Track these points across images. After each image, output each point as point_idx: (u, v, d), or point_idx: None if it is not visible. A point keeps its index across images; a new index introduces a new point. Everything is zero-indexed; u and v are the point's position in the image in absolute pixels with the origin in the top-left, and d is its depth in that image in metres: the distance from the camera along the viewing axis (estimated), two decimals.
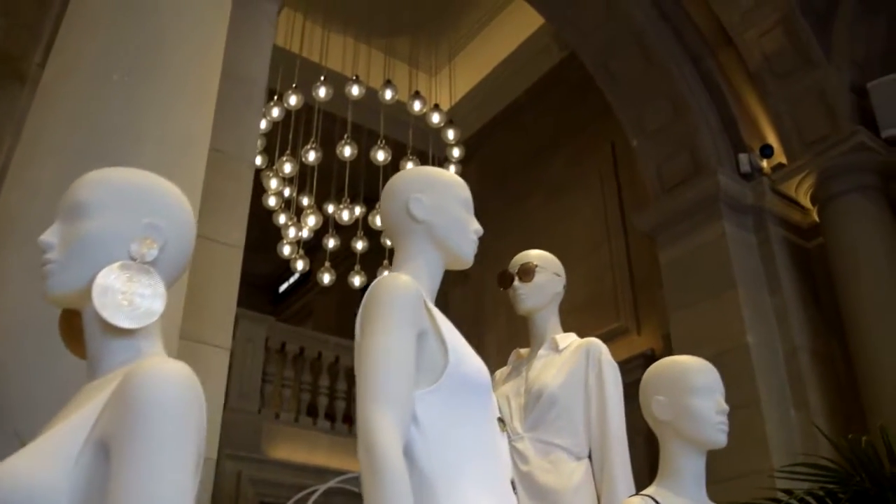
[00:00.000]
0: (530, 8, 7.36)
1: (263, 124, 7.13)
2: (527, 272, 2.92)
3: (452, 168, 7.72)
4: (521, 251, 3.08)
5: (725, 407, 2.39)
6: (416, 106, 7.01)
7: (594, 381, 2.70)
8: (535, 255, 3.00)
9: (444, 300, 8.80)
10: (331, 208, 7.67)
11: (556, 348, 2.83)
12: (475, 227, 2.00)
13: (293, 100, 6.85)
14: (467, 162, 9.43)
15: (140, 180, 1.44)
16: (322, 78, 6.92)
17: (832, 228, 6.05)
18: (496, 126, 9.49)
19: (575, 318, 8.09)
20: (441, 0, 8.71)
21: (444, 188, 2.00)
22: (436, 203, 1.95)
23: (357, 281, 7.58)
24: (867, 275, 5.70)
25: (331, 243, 7.78)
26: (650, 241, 6.90)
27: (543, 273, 2.92)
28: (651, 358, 6.86)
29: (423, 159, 7.57)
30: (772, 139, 6.48)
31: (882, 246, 5.82)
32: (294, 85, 7.00)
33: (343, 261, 8.33)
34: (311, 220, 7.28)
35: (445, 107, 8.42)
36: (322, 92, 6.79)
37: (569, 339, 2.84)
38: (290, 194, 7.51)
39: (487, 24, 9.06)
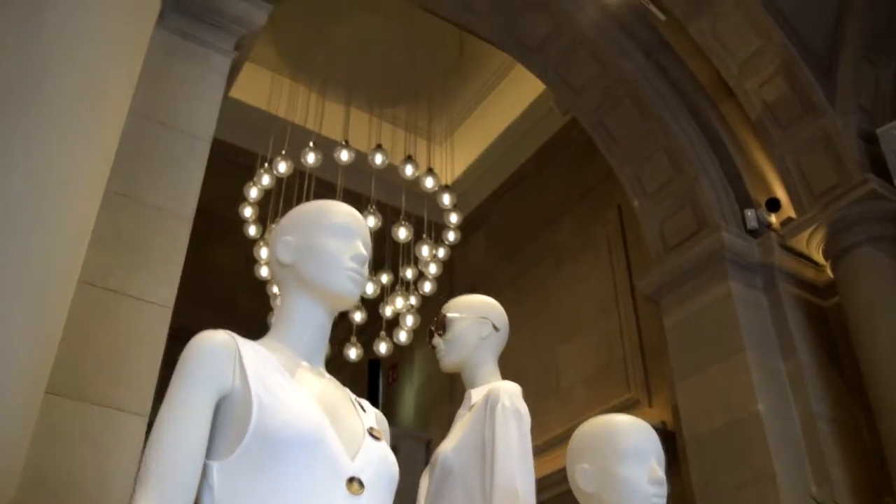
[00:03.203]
0: (531, 75, 7.20)
1: (255, 193, 6.98)
2: (440, 325, 2.60)
3: (451, 235, 7.46)
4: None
5: (661, 476, 2.01)
6: (409, 170, 6.80)
7: (489, 435, 2.29)
8: (454, 302, 2.68)
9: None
10: None
11: (468, 405, 2.47)
12: (352, 254, 1.72)
13: (282, 167, 6.69)
14: (475, 232, 9.20)
15: None
16: (311, 143, 6.76)
17: (847, 284, 5.62)
18: (503, 195, 9.24)
19: (586, 390, 7.71)
20: (440, 71, 8.59)
21: (310, 221, 1.77)
22: (301, 241, 1.74)
23: (353, 354, 7.26)
24: (886, 333, 5.23)
25: (357, 316, 7.51)
26: (658, 306, 6.52)
27: (461, 321, 2.59)
28: (663, 432, 6.39)
29: (420, 225, 7.33)
30: (779, 192, 6.11)
31: None
32: (283, 152, 6.86)
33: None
34: None
35: (449, 178, 8.24)
36: (311, 158, 6.62)
37: (484, 391, 2.47)
38: None
39: (489, 93, 8.92)
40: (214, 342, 1.55)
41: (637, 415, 6.96)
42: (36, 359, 2.13)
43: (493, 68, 8.74)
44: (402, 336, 7.22)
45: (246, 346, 1.59)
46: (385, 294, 7.53)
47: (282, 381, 1.55)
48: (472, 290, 8.50)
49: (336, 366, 7.97)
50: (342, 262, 1.71)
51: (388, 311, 7.45)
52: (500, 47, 6.83)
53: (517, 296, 8.35)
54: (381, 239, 7.38)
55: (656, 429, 6.46)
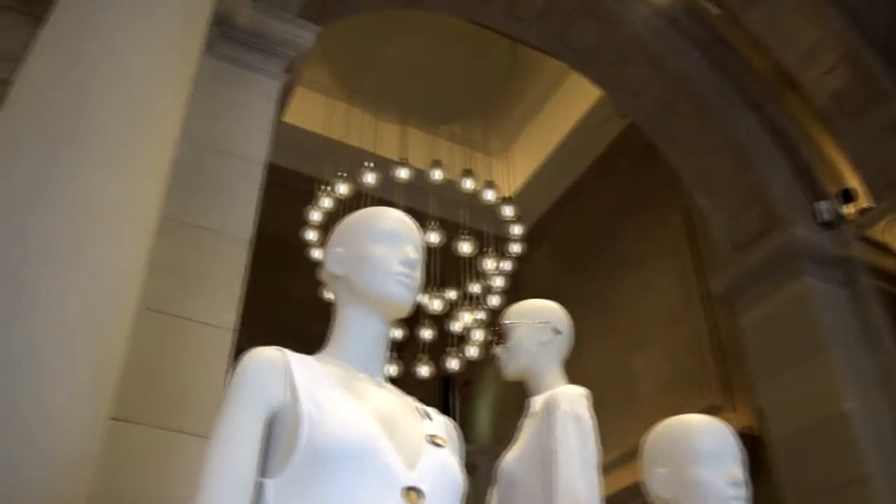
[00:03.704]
0: (586, 82, 7.11)
1: (317, 216, 7.03)
2: (499, 334, 2.52)
3: (516, 247, 7.39)
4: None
5: (741, 477, 1.89)
6: (468, 184, 6.76)
7: (550, 442, 2.18)
8: (511, 309, 2.61)
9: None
10: None
11: (531, 413, 2.38)
12: (401, 258, 1.68)
13: (342, 188, 6.72)
14: (539, 244, 9.10)
15: None
16: (369, 164, 6.79)
17: None
18: (564, 205, 9.12)
19: (663, 398, 7.50)
20: (494, 84, 8.56)
21: (358, 230, 1.75)
22: (350, 251, 1.72)
23: (424, 371, 7.22)
24: None
25: (427, 333, 7.50)
26: (732, 307, 6.32)
27: (520, 328, 2.50)
28: (747, 438, 6.16)
29: (481, 239, 7.28)
30: (853, 182, 5.87)
31: None
32: (343, 174, 6.90)
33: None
34: None
35: (510, 191, 8.18)
36: (369, 178, 6.64)
37: (545, 398, 2.37)
38: None
39: (545, 102, 8.85)
40: (263, 359, 1.53)
41: (720, 420, 6.76)
42: (93, 385, 2.13)
43: (547, 77, 8.67)
44: (472, 351, 7.15)
45: (297, 361, 1.56)
46: (453, 310, 7.49)
47: (334, 395, 1.52)
48: None
49: (408, 384, 7.94)
50: (391, 268, 1.67)
51: (456, 327, 7.39)
52: (552, 54, 6.76)
53: (586, 306, 8.19)
54: (444, 255, 7.35)
55: (740, 434, 6.20)
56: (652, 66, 6.23)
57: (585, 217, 8.76)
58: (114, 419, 2.79)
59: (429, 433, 1.59)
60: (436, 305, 6.91)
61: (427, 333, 7.38)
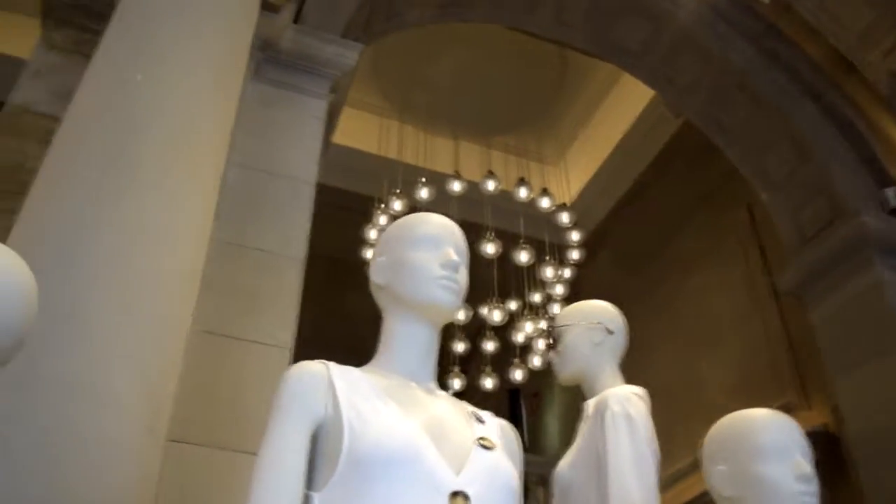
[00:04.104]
0: (637, 83, 7.03)
1: (374, 234, 7.07)
2: (552, 338, 2.48)
3: (575, 254, 7.31)
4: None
5: (808, 471, 1.81)
6: (523, 193, 6.73)
7: (601, 445, 2.12)
8: (562, 312, 2.56)
9: None
10: (461, 314, 7.38)
11: (585, 416, 2.32)
12: (442, 262, 1.66)
13: (397, 205, 6.76)
14: (600, 250, 8.99)
15: None
16: (423, 179, 6.81)
17: None
18: (623, 209, 8.98)
19: (735, 399, 7.25)
20: (545, 92, 8.52)
21: (397, 238, 1.74)
22: (392, 259, 1.71)
23: (489, 383, 7.18)
24: None
25: (490, 346, 7.48)
26: (802, 303, 6.13)
27: (571, 330, 2.45)
28: (825, 435, 5.97)
29: (540, 248, 7.22)
30: None
31: None
32: (398, 190, 6.93)
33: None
34: None
35: (567, 198, 8.12)
36: (424, 193, 6.66)
37: (596, 399, 2.32)
38: None
39: (597, 107, 8.76)
40: (305, 373, 1.55)
41: (795, 419, 6.58)
42: (149, 407, 2.17)
43: (598, 81, 8.60)
44: (536, 361, 7.09)
45: (339, 373, 1.57)
46: (515, 321, 7.44)
47: (376, 404, 1.51)
48: None
49: (475, 398, 7.90)
50: (432, 272, 1.65)
51: (519, 338, 7.34)
52: (601, 57, 6.70)
53: (650, 310, 8.07)
54: (504, 266, 7.32)
55: (817, 432, 5.99)
56: (702, 61, 6.12)
57: (646, 219, 8.63)
58: (174, 441, 2.84)
59: (478, 436, 1.57)
60: (496, 317, 6.85)
61: (490, 346, 7.34)
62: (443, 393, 1.70)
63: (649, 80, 6.65)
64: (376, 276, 1.74)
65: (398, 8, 5.55)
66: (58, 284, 2.17)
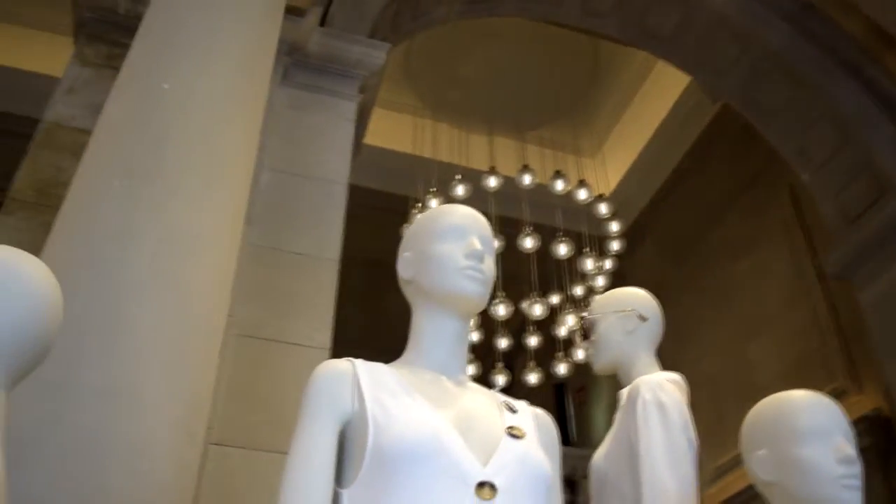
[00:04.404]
0: (672, 69, 6.94)
1: None
2: (585, 330, 2.45)
3: (615, 244, 7.24)
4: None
5: (851, 453, 1.75)
6: (559, 185, 6.68)
7: (633, 434, 2.07)
8: (594, 302, 2.53)
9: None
10: (501, 310, 7.32)
11: (619, 405, 2.27)
12: (466, 252, 1.65)
13: (434, 203, 6.75)
14: (642, 240, 8.90)
15: None
16: (459, 177, 6.80)
17: None
18: (664, 197, 8.87)
19: (784, 386, 7.07)
20: (579, 84, 8.45)
21: (421, 232, 1.74)
22: (417, 253, 1.71)
23: (533, 378, 7.14)
24: None
25: (533, 341, 7.44)
26: (850, 284, 5.99)
27: (603, 319, 2.41)
28: (877, 420, 5.83)
29: (581, 241, 7.17)
30: None
31: None
32: (433, 189, 6.93)
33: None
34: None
35: (606, 189, 8.04)
36: (460, 190, 6.66)
37: (629, 388, 2.27)
38: None
39: (633, 96, 8.66)
40: (330, 371, 1.56)
41: (847, 403, 6.45)
42: (189, 412, 2.20)
43: (632, 70, 8.50)
44: (580, 354, 7.03)
45: (365, 369, 1.58)
46: (557, 314, 7.39)
47: (403, 399, 1.52)
48: None
49: (520, 393, 7.87)
50: (456, 263, 1.65)
51: (563, 332, 7.29)
52: (633, 44, 6.62)
53: (696, 298, 7.97)
54: (544, 260, 7.28)
55: (870, 416, 5.86)
56: (737, 42, 6.01)
57: (688, 207, 8.51)
58: (216, 444, 2.88)
59: (508, 425, 1.56)
60: (537, 311, 6.81)
61: (533, 341, 7.30)
62: (474, 385, 1.70)
63: (684, 66, 6.56)
64: (403, 272, 1.75)
65: (425, 6, 5.55)
66: (94, 293, 2.21)
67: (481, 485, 1.40)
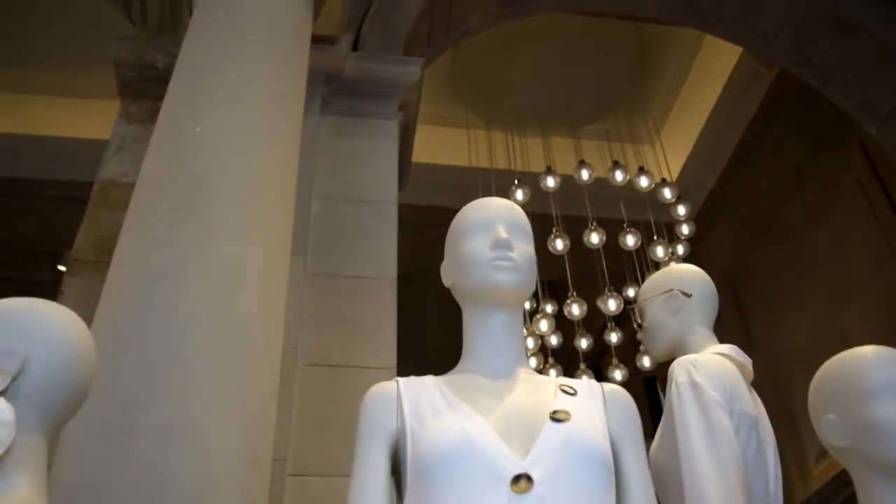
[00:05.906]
0: (721, 42, 6.77)
1: None
2: (635, 318, 2.36)
3: (684, 229, 7.06)
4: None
5: None
6: (618, 176, 6.56)
7: (671, 420, 1.95)
8: (641, 288, 2.44)
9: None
10: (575, 309, 7.20)
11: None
12: (491, 243, 1.65)
13: None
14: (716, 220, 8.67)
15: (7, 305, 1.40)
16: (518, 181, 6.75)
17: None
18: (732, 174, 8.58)
19: None
20: (628, 73, 8.30)
21: (452, 235, 1.78)
22: (451, 257, 1.74)
23: (618, 375, 7.00)
24: None
25: (613, 337, 7.31)
26: None
27: (649, 305, 2.32)
28: None
29: (650, 230, 7.01)
30: None
31: None
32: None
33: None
34: (544, 325, 6.89)
35: (670, 174, 7.87)
36: (519, 195, 6.60)
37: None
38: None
39: (685, 76, 8.44)
40: (376, 394, 1.65)
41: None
42: (248, 440, 2.21)
43: (681, 50, 8.31)
44: None
45: (407, 385, 1.63)
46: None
47: (439, 407, 1.54)
48: (729, 279, 7.88)
49: None
50: (482, 257, 1.65)
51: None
52: (677, 22, 6.48)
53: (778, 271, 7.72)
54: (614, 254, 7.15)
55: None
56: (784, 1, 5.81)
57: (758, 180, 8.26)
58: (294, 475, 2.89)
59: (552, 409, 1.51)
60: (611, 306, 6.68)
61: (613, 337, 7.16)
62: (530, 375, 1.66)
63: (732, 37, 6.38)
64: (445, 280, 1.78)
65: (458, 15, 5.53)
66: (148, 336, 2.25)
67: (517, 478, 1.37)
